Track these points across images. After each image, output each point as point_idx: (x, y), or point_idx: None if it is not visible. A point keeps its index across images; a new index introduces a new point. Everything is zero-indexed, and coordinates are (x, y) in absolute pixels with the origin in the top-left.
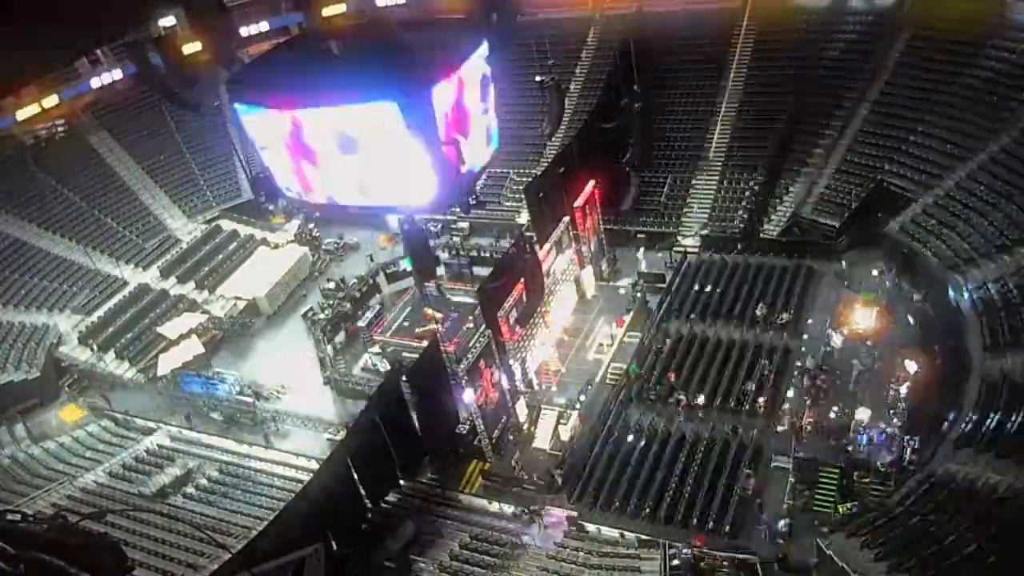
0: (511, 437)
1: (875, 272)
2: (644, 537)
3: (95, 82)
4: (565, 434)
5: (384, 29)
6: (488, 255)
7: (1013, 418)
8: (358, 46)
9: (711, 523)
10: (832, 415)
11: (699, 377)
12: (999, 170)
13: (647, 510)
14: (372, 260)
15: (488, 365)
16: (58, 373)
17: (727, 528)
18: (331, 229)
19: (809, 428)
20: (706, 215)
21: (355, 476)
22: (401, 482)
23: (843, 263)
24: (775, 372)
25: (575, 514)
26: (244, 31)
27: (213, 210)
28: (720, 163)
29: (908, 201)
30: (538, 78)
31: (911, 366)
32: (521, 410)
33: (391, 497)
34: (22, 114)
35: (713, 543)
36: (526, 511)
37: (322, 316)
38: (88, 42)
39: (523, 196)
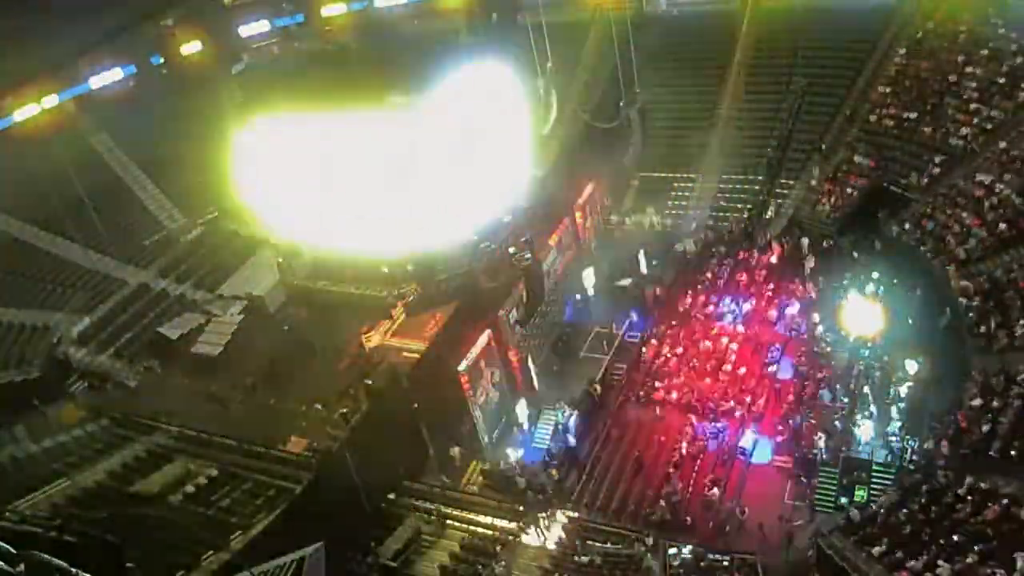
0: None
1: (875, 273)
2: (643, 538)
3: (95, 82)
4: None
5: None
6: None
7: (1012, 418)
8: None
9: (709, 524)
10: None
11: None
12: (999, 169)
13: (647, 510)
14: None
15: (488, 365)
16: (58, 373)
17: (726, 529)
18: None
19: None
20: (706, 215)
21: (355, 476)
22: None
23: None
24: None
25: (575, 514)
26: (244, 31)
27: (213, 210)
28: (720, 163)
29: (908, 201)
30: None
31: (911, 366)
32: (522, 410)
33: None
34: (21, 114)
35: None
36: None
37: None
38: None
39: None
